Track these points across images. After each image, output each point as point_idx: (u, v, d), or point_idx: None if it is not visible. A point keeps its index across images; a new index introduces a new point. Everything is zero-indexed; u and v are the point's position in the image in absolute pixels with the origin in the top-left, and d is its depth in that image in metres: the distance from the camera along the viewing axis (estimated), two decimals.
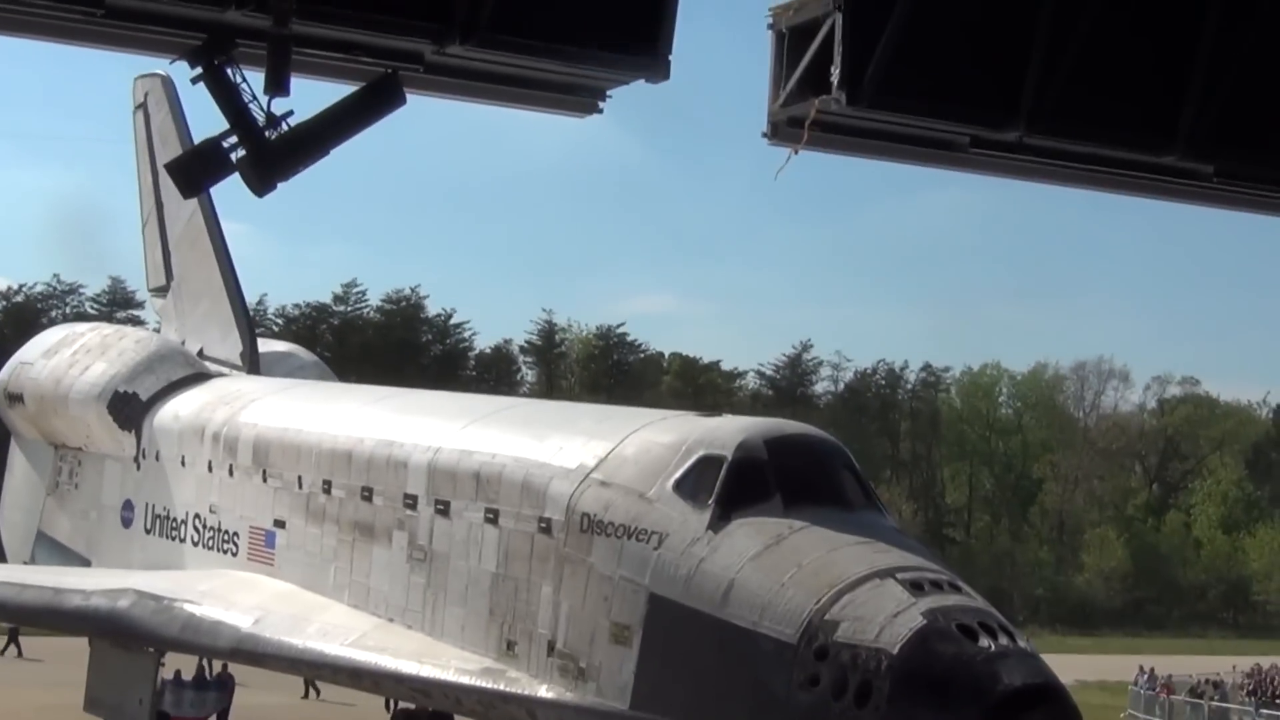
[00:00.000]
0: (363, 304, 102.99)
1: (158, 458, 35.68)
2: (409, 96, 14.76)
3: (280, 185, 14.95)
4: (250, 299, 44.84)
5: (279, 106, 14.70)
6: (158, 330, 44.11)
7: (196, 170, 15.87)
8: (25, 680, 47.88)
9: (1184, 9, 15.00)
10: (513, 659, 23.98)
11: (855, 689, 18.66)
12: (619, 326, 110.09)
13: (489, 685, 24.04)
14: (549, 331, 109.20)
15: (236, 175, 15.02)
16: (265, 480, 31.09)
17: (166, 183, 38.79)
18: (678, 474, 22.36)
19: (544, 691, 23.14)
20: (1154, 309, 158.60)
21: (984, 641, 18.60)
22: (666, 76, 14.64)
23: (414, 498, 26.77)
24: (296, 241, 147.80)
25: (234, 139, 14.82)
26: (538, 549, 23.90)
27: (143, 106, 43.75)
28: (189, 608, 29.89)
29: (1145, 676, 64.25)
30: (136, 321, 78.49)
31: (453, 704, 25.95)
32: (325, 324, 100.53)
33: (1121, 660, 71.21)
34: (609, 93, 15.29)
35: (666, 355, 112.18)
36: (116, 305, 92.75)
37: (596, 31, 14.04)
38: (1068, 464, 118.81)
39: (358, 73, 14.60)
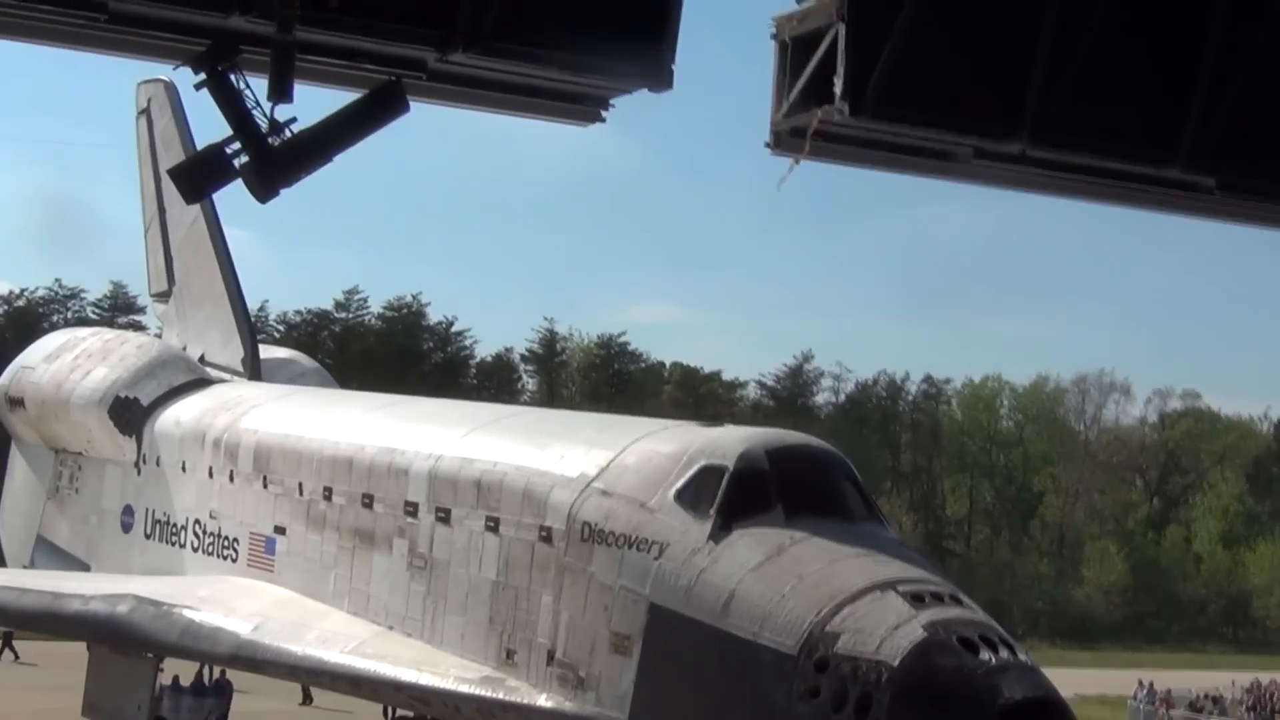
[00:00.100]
0: (364, 311, 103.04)
1: (158, 463, 35.67)
2: (412, 104, 14.76)
3: (283, 191, 14.94)
4: (252, 305, 44.80)
5: (282, 113, 14.70)
6: (159, 335, 44.09)
7: (199, 176, 15.86)
8: (21, 684, 47.87)
9: (1187, 22, 14.99)
10: (512, 668, 23.96)
11: (855, 701, 18.63)
12: (620, 335, 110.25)
13: (488, 694, 24.02)
14: (550, 340, 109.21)
15: (239, 181, 15.01)
16: (266, 486, 31.07)
17: (169, 188, 38.76)
18: (679, 484, 22.34)
19: (543, 701, 23.12)
20: (1155, 322, 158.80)
21: (985, 655, 18.57)
22: (670, 86, 14.64)
23: (415, 505, 26.76)
24: (298, 248, 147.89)
25: (237, 145, 14.81)
26: (538, 558, 23.89)
27: (146, 112, 43.75)
28: (188, 613, 29.87)
29: (1144, 691, 64.23)
30: (138, 327, 78.40)
31: (452, 712, 25.88)
32: (326, 331, 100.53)
33: (1121, 674, 71.16)
34: (612, 102, 15.29)
35: (667, 365, 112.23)
36: (118, 310, 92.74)
37: (600, 40, 14.03)
38: (1068, 477, 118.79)
39: (361, 80, 14.60)
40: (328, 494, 29.03)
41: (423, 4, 13.56)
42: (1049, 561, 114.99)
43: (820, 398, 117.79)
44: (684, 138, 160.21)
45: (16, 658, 55.62)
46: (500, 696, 23.81)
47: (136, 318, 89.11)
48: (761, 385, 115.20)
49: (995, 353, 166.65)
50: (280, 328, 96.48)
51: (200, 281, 41.64)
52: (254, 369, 39.40)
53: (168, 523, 34.92)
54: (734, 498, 21.66)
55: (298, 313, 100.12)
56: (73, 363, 39.08)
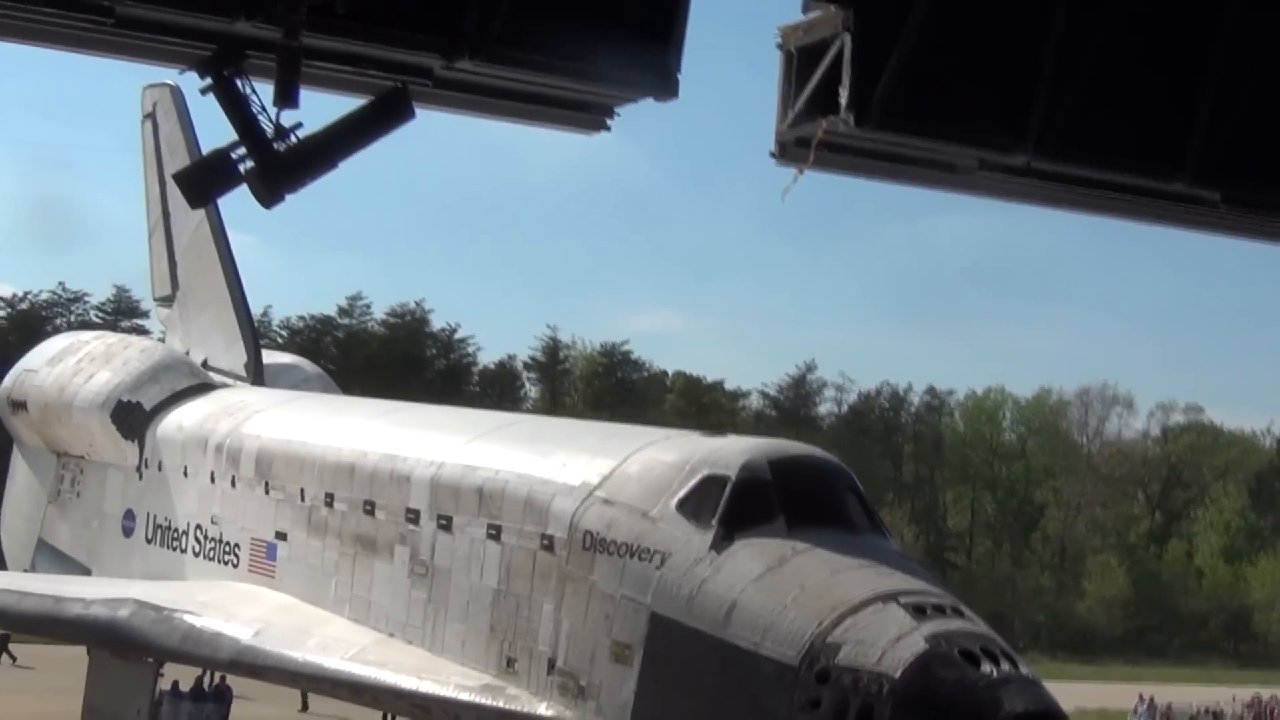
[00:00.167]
0: (367, 317, 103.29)
1: (160, 468, 35.68)
2: (418, 110, 14.75)
3: (288, 197, 14.93)
4: (255, 310, 44.73)
5: (288, 119, 14.67)
6: (163, 340, 44.12)
7: (204, 181, 15.84)
8: (19, 688, 47.91)
9: (1193, 35, 14.99)
10: (513, 676, 23.95)
11: (856, 713, 18.62)
12: (623, 344, 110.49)
13: (488, 702, 24.00)
14: (553, 348, 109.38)
15: (244, 186, 15.00)
16: (268, 492, 31.07)
17: (174, 192, 38.89)
18: (681, 493, 22.33)
19: (543, 709, 23.10)
20: (1159, 336, 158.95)
21: (986, 667, 18.55)
22: (675, 95, 14.62)
23: (416, 512, 26.75)
24: (302, 253, 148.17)
25: (242, 150, 14.78)
26: (540, 566, 23.88)
27: (151, 116, 43.80)
28: (189, 618, 29.86)
29: (1145, 705, 64.18)
30: (141, 331, 78.46)
31: None
32: (329, 336, 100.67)
33: (1121, 688, 71.15)
34: (617, 110, 15.28)
35: (670, 374, 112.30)
36: (121, 314, 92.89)
37: (606, 48, 14.02)
38: (1070, 490, 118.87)
39: (367, 86, 14.58)
40: (329, 500, 29.03)
41: (429, 11, 13.55)
42: (1050, 574, 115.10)
43: (823, 408, 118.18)
44: (689, 146, 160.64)
45: (14, 660, 55.65)
46: (500, 705, 23.79)
47: (140, 322, 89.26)
48: (764, 395, 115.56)
49: (998, 365, 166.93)
50: (283, 333, 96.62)
51: (204, 286, 41.67)
52: (257, 374, 39.43)
53: (169, 527, 34.91)
54: (736, 508, 21.64)
55: (301, 318, 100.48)
56: (75, 366, 39.09)
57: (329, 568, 28.75)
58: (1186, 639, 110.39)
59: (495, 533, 24.94)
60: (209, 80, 14.51)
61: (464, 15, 13.58)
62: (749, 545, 21.12)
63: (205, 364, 39.88)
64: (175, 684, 37.05)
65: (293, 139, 14.68)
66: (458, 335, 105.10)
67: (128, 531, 36.82)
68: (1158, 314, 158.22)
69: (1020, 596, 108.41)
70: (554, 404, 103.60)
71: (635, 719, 21.52)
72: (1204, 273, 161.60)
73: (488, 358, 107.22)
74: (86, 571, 37.96)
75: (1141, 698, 64.79)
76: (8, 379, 41.29)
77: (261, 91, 14.52)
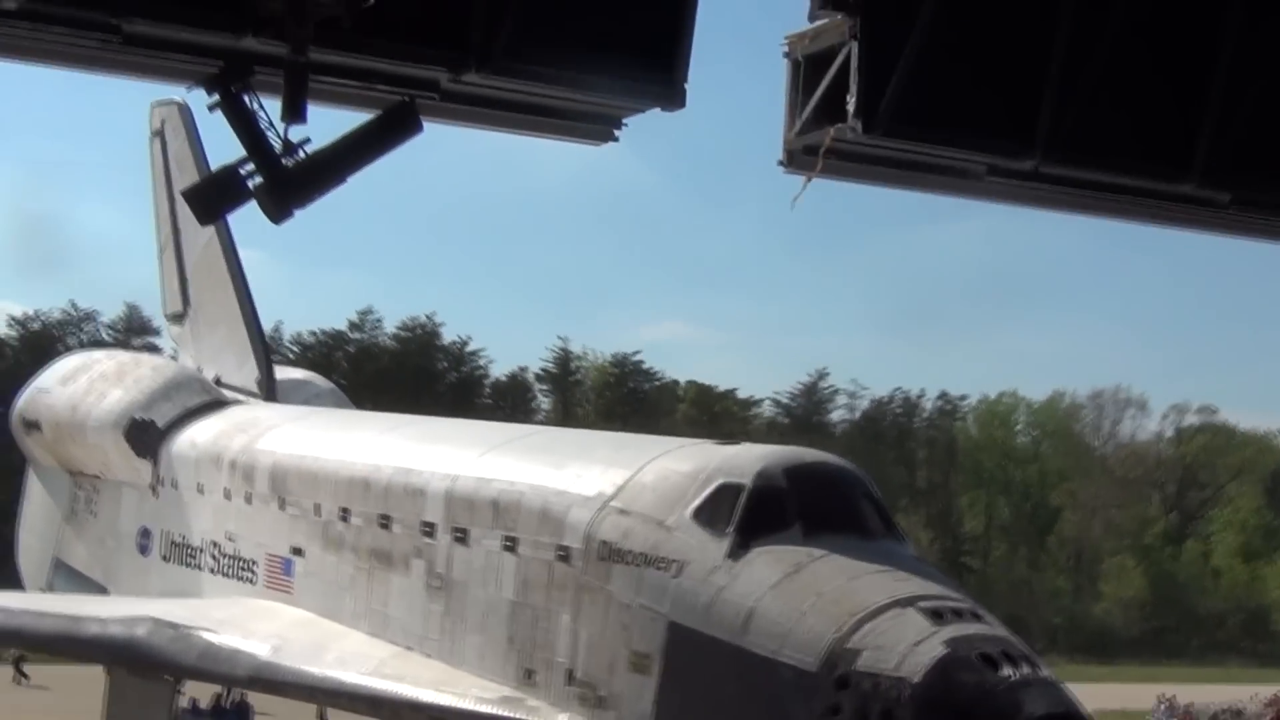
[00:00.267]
0: (378, 331, 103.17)
1: (175, 485, 35.70)
2: (425, 124, 14.76)
3: (297, 212, 14.95)
4: (266, 326, 44.78)
5: (296, 134, 14.69)
6: (174, 357, 44.16)
7: (213, 197, 15.86)
8: (36, 709, 48.06)
9: (1200, 38, 15.00)
10: (532, 688, 23.93)
11: (877, 718, 18.61)
12: (634, 354, 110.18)
13: (508, 714, 23.98)
14: (564, 359, 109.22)
15: (253, 202, 15.01)
16: (283, 508, 31.08)
17: (184, 209, 38.84)
18: (696, 502, 22.30)
19: None
20: (1171, 337, 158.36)
21: (1006, 670, 18.53)
22: (682, 105, 14.64)
23: (432, 525, 26.75)
24: (312, 269, 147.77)
25: (251, 166, 14.80)
26: (556, 577, 23.87)
27: (159, 133, 43.83)
28: (207, 636, 29.85)
29: (1164, 705, 64.07)
30: (153, 348, 78.53)
31: None
32: (341, 351, 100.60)
33: (1140, 689, 70.92)
34: (624, 120, 15.29)
35: (682, 383, 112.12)
36: (133, 332, 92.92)
37: (612, 60, 14.04)
38: (1085, 492, 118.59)
39: (374, 100, 14.61)
40: (345, 515, 29.04)
41: (435, 24, 13.58)
42: (1066, 577, 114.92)
43: (835, 415, 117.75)
44: (697, 156, 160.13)
45: (26, 680, 55.76)
46: (520, 716, 23.77)
47: (151, 339, 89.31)
48: (776, 403, 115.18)
49: (1011, 369, 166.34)
50: (295, 349, 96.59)
51: (215, 303, 41.70)
52: (269, 390, 39.44)
53: (185, 545, 34.93)
54: (752, 515, 21.62)
55: (312, 333, 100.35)
56: (88, 385, 39.12)
57: (345, 582, 28.75)
58: (1204, 639, 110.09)
59: (511, 544, 24.94)
60: (217, 97, 14.54)
61: (470, 28, 13.62)
62: (765, 553, 21.10)
63: (218, 381, 39.89)
64: (194, 702, 37.09)
65: (301, 154, 14.71)
66: (469, 348, 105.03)
67: (144, 550, 36.84)
68: (1169, 316, 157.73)
69: (1037, 599, 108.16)
70: (566, 415, 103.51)
71: None
72: (1214, 274, 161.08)
73: (499, 370, 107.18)
74: (103, 590, 37.98)
75: (1160, 698, 64.70)
76: (21, 399, 41.32)
77: (269, 107, 14.55)
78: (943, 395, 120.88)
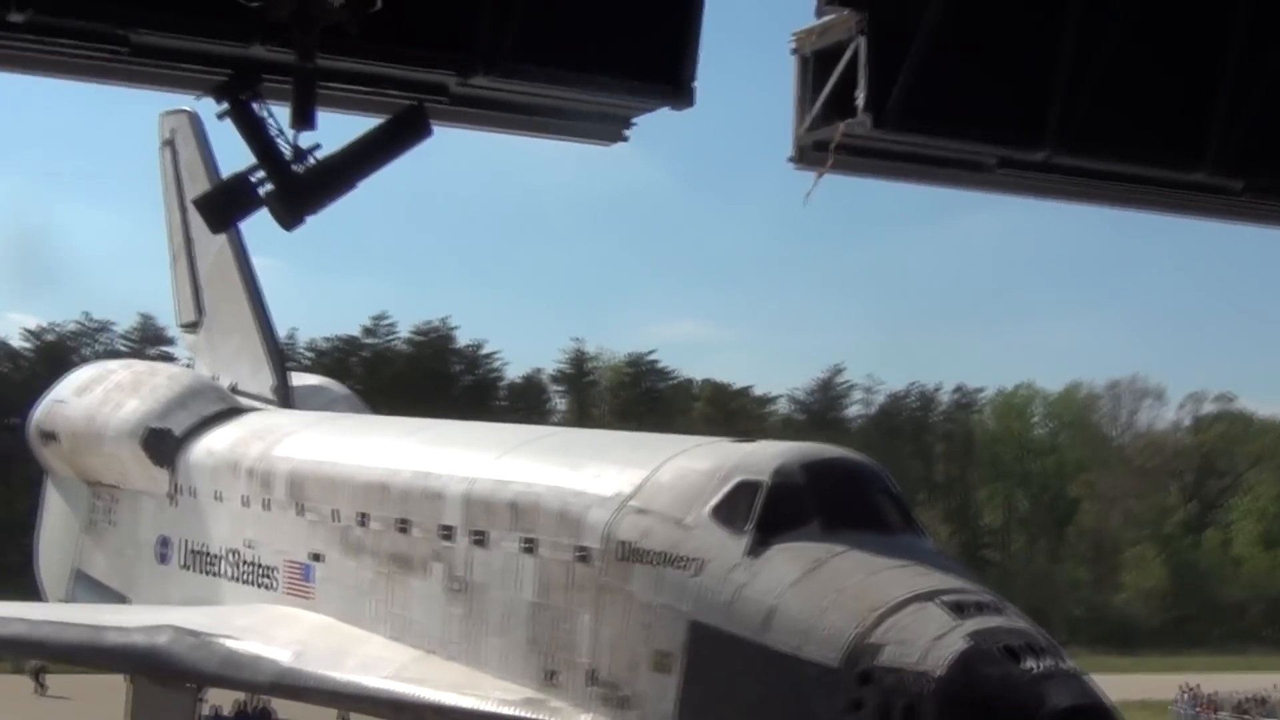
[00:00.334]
0: (393, 336, 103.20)
1: (193, 493, 35.76)
2: (434, 127, 14.74)
3: (308, 219, 14.93)
4: (281, 333, 44.87)
5: (306, 140, 14.68)
6: (190, 366, 44.23)
7: (224, 205, 15.84)
8: (57, 719, 48.06)
9: (1210, 24, 14.95)
10: (554, 689, 23.94)
11: (901, 713, 18.59)
12: (649, 354, 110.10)
13: (531, 715, 24.00)
14: (579, 360, 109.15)
15: (264, 210, 15.00)
16: (301, 514, 31.11)
17: (195, 218, 38.91)
18: (715, 500, 22.31)
19: None
20: (1187, 326, 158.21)
21: (1029, 663, 18.50)
22: (691, 103, 14.61)
23: (450, 529, 26.76)
24: (325, 275, 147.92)
25: (261, 174, 14.79)
26: (576, 578, 23.87)
27: (170, 143, 43.94)
28: (228, 643, 29.91)
29: (1187, 695, 63.95)
30: (167, 358, 78.65)
31: None
32: (355, 356, 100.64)
33: (1162, 679, 70.83)
34: (634, 120, 15.27)
35: (697, 382, 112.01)
36: (147, 342, 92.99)
37: (620, 59, 14.01)
38: (1104, 483, 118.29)
39: (383, 105, 14.59)
40: (363, 520, 29.07)
41: (442, 28, 13.56)
42: (1087, 568, 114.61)
43: (851, 410, 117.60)
44: (707, 154, 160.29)
45: (44, 690, 55.88)
46: (543, 718, 23.78)
47: (166, 349, 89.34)
48: (792, 400, 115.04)
49: (1027, 361, 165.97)
50: (310, 355, 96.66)
51: (229, 311, 41.79)
52: (285, 397, 39.51)
53: (204, 553, 34.99)
54: (771, 512, 21.62)
55: (326, 339, 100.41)
56: (104, 395, 39.20)
57: (365, 587, 28.78)
58: (1226, 628, 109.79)
59: (530, 546, 24.95)
60: (226, 105, 14.52)
61: (477, 31, 13.60)
62: (785, 549, 21.10)
63: (233, 388, 39.96)
64: (216, 709, 37.10)
65: (311, 160, 14.69)
66: (483, 351, 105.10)
67: (163, 558, 36.90)
68: (1184, 305, 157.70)
69: (1057, 591, 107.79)
70: (582, 416, 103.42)
71: None
72: (1228, 261, 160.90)
73: (514, 372, 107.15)
74: (124, 600, 38.06)
75: (1183, 688, 64.59)
76: (37, 411, 41.42)
77: (278, 114, 14.54)
78: (959, 388, 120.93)
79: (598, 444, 28.61)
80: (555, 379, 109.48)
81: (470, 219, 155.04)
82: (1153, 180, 15.88)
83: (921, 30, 13.69)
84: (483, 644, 25.69)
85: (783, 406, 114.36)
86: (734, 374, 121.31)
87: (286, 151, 14.64)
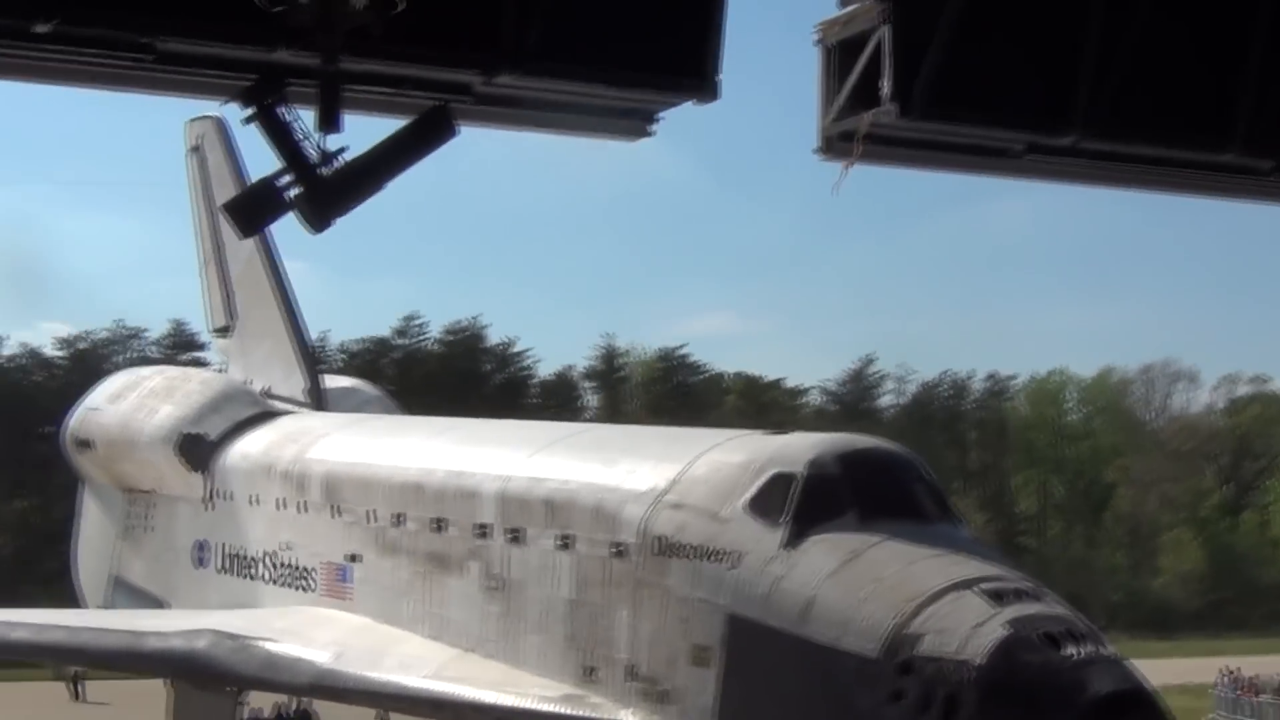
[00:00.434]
0: (424, 336, 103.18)
1: (228, 497, 35.83)
2: (460, 127, 14.75)
3: (337, 221, 14.95)
4: (312, 335, 44.95)
5: (332, 143, 14.69)
6: (223, 370, 44.32)
7: (253, 210, 15.86)
8: None
9: (1236, 5, 14.90)
10: (593, 684, 23.95)
11: (942, 702, 18.57)
12: (680, 348, 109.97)
13: (571, 712, 24.01)
14: (610, 356, 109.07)
15: (292, 213, 15.02)
16: (337, 515, 31.16)
17: (224, 224, 38.99)
18: (750, 493, 22.31)
19: (627, 716, 23.11)
20: (1219, 308, 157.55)
21: (1069, 649, 18.47)
22: (716, 97, 14.61)
23: (486, 527, 26.78)
24: (355, 277, 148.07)
25: (289, 177, 14.81)
26: (613, 573, 23.88)
27: (197, 149, 44.01)
28: (267, 645, 29.97)
29: (1228, 678, 63.68)
30: (200, 363, 78.73)
31: None
32: (387, 357, 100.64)
33: (1202, 663, 70.56)
34: (659, 115, 15.26)
35: (729, 375, 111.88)
36: (179, 348, 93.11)
37: (643, 55, 14.01)
38: (1139, 467, 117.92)
39: (408, 106, 14.60)
40: (399, 520, 29.10)
41: (466, 27, 13.57)
42: (1124, 553, 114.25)
43: (884, 400, 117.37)
44: (733, 147, 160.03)
45: (79, 697, 56.07)
46: (584, 714, 23.79)
47: (198, 354, 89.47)
48: (824, 391, 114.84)
49: (1059, 346, 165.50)
50: (341, 357, 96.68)
51: (260, 315, 41.86)
52: (318, 399, 39.57)
53: (242, 556, 35.06)
54: (806, 504, 21.62)
55: (358, 341, 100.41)
56: (138, 402, 39.29)
57: (403, 587, 28.81)
58: (1266, 610, 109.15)
59: (566, 543, 24.96)
60: (252, 110, 14.55)
61: (501, 30, 13.61)
62: (822, 541, 21.09)
63: (266, 392, 40.02)
64: (257, 713, 37.16)
65: (338, 163, 14.71)
66: (514, 349, 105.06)
67: (200, 562, 36.99)
68: (1216, 286, 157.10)
69: (1095, 577, 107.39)
70: (614, 412, 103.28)
71: None
72: (1260, 242, 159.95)
73: (545, 369, 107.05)
74: (163, 604, 38.14)
75: (1223, 671, 64.33)
76: (72, 419, 41.51)
77: (304, 118, 14.56)
78: (991, 375, 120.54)
79: (631, 439, 28.61)
80: (586, 376, 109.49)
81: (498, 217, 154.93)
82: (1181, 162, 15.84)
83: (945, 17, 13.67)
84: (521, 641, 25.71)
85: (815, 398, 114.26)
86: (765, 366, 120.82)
87: (313, 155, 14.67)
